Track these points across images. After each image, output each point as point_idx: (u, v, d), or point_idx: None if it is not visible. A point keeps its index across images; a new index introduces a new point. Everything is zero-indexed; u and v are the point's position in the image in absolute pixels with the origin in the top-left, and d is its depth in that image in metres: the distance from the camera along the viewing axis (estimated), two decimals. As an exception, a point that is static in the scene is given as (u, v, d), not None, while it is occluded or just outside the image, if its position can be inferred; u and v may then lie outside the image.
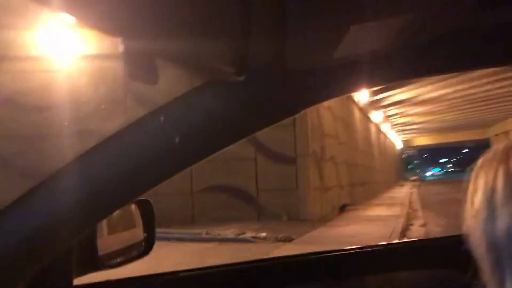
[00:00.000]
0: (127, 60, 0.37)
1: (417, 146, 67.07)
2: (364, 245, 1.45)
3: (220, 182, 11.28)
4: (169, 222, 8.54)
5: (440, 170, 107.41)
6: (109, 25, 0.36)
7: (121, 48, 0.37)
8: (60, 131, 9.11)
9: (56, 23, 8.62)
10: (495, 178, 0.57)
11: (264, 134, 9.42)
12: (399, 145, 48.59)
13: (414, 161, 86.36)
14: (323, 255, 1.40)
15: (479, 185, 0.59)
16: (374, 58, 0.79)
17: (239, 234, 8.70)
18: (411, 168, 78.52)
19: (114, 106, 10.35)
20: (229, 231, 8.88)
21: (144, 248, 1.12)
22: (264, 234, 8.53)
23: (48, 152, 7.85)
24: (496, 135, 60.33)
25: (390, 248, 1.54)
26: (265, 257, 1.39)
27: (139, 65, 0.39)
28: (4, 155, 10.29)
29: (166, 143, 0.79)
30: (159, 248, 1.18)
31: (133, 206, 1.09)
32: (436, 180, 62.43)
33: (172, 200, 9.69)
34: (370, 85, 0.93)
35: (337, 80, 0.84)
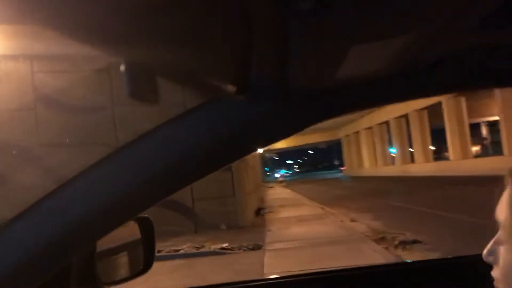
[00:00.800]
0: (128, 79, 0.37)
1: (276, 149, 72.34)
2: (370, 265, 1.44)
3: None
4: None
5: (286, 172, 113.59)
6: (111, 45, 0.36)
7: (122, 67, 0.37)
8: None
9: None
10: None
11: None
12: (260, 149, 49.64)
13: (268, 164, 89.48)
14: (327, 275, 1.39)
15: None
16: (376, 78, 0.79)
17: (198, 248, 8.58)
18: (267, 171, 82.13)
19: (23, 114, 9.73)
20: (187, 246, 8.70)
21: (143, 266, 1.12)
22: (226, 245, 8.47)
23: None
24: (347, 135, 63.44)
25: (397, 268, 1.53)
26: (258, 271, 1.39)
27: (140, 84, 0.39)
28: None
29: (167, 161, 0.79)
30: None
31: (132, 223, 1.08)
32: (296, 180, 66.74)
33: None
34: (372, 105, 0.94)
35: (339, 100, 0.84)
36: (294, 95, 0.80)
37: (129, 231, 1.09)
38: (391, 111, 39.59)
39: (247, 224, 11.18)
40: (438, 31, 0.70)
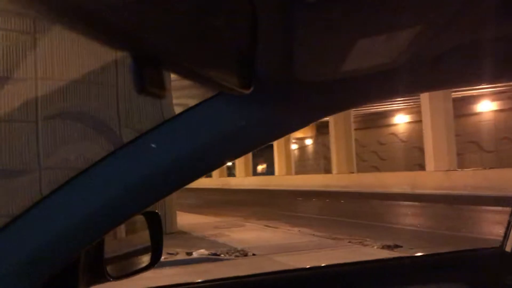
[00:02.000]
0: (135, 74, 0.38)
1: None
2: (369, 260, 1.44)
3: None
4: None
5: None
6: (116, 39, 0.37)
7: (129, 61, 0.37)
8: None
9: None
10: None
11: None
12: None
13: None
14: (329, 269, 1.39)
15: None
16: (381, 72, 0.79)
17: (188, 254, 7.83)
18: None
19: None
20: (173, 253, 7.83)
21: (151, 260, 1.12)
22: (207, 252, 7.78)
23: None
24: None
25: (398, 263, 1.53)
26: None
27: (147, 79, 0.39)
28: None
29: (173, 156, 0.80)
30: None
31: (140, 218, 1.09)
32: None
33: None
34: (378, 99, 0.94)
35: (346, 93, 0.84)
36: (299, 89, 0.80)
37: (137, 225, 1.10)
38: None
39: (174, 230, 10.30)
40: (442, 25, 0.70)
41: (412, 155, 25.87)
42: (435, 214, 12.71)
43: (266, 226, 11.04)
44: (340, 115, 21.47)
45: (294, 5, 0.57)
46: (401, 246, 7.47)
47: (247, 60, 0.64)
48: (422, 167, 21.53)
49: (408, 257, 1.46)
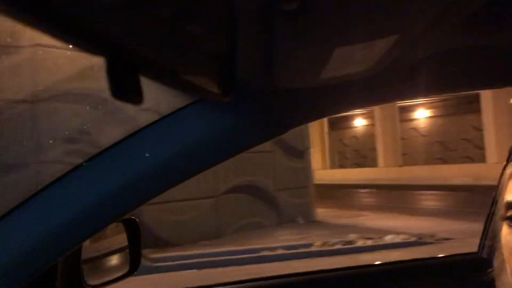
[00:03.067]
0: (110, 79, 0.37)
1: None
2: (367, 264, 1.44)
3: (240, 181, 9.08)
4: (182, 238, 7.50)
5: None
6: (91, 42, 0.36)
7: (104, 66, 0.37)
8: None
9: None
10: None
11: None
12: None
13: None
14: (328, 274, 1.39)
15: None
16: (359, 80, 0.80)
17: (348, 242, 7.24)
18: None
19: None
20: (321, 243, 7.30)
21: (129, 268, 1.11)
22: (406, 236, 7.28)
23: None
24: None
25: (374, 270, 1.54)
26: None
27: (123, 84, 0.39)
28: None
29: (152, 163, 0.79)
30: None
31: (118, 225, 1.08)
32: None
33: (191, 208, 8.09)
34: (356, 106, 0.94)
35: (324, 100, 0.85)
36: (279, 96, 0.80)
37: (115, 233, 1.09)
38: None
39: (316, 219, 9.84)
40: (420, 33, 0.70)
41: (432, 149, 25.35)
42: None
43: (390, 215, 10.40)
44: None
45: (273, 12, 0.57)
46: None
47: (227, 67, 0.64)
48: (444, 160, 21.96)
49: (384, 264, 1.46)
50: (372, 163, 25.83)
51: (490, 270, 0.79)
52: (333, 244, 7.18)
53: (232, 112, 0.78)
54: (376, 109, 23.09)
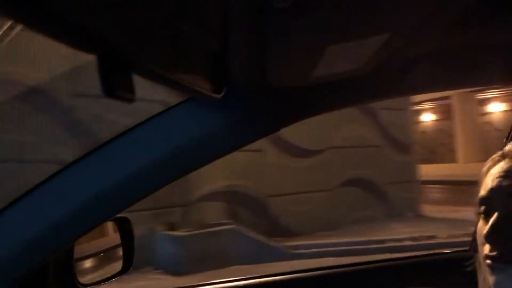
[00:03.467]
0: (102, 77, 0.37)
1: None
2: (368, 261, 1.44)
3: (352, 174, 9.17)
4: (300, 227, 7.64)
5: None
6: (83, 40, 0.36)
7: (96, 64, 0.37)
8: None
9: None
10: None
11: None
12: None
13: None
14: (331, 271, 1.39)
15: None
16: (352, 77, 0.80)
17: None
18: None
19: None
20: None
21: (122, 266, 1.11)
22: None
23: None
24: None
25: (369, 267, 1.54)
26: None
27: (115, 83, 0.38)
28: None
29: (144, 161, 0.79)
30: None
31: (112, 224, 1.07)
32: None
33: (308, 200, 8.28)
34: (349, 104, 0.94)
35: (318, 98, 0.85)
36: (271, 94, 0.80)
37: (108, 231, 1.08)
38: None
39: (421, 213, 9.74)
40: (412, 31, 0.71)
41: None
42: None
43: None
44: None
45: (265, 11, 0.57)
46: None
47: (219, 65, 0.64)
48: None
49: (378, 261, 1.47)
50: (443, 158, 25.24)
51: (471, 261, 0.81)
52: (459, 236, 6.94)
53: (224, 110, 0.78)
54: (453, 103, 22.10)
